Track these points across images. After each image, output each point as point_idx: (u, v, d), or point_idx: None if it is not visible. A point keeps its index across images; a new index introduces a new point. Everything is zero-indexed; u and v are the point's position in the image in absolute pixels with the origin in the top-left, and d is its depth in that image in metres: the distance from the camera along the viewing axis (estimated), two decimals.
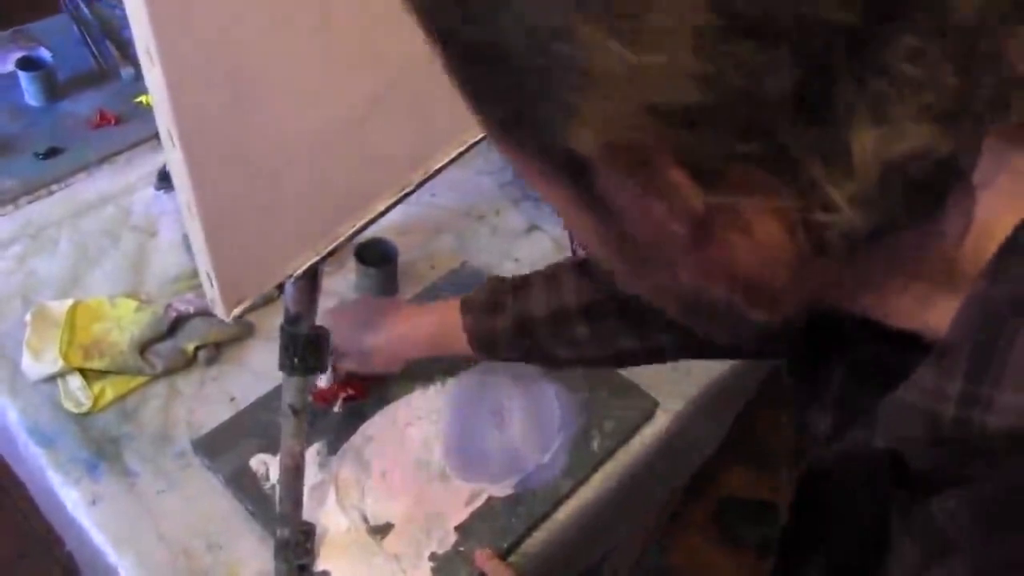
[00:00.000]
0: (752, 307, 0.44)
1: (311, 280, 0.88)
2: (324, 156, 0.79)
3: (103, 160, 1.53)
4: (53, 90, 1.63)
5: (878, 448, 0.47)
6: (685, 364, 1.28)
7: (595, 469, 1.16)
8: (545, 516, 1.11)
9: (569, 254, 1.38)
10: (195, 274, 1.25)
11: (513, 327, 1.00)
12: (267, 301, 1.29)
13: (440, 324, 1.06)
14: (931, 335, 0.44)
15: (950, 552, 0.44)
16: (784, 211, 0.37)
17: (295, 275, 0.84)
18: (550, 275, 1.02)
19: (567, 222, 0.47)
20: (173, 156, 0.66)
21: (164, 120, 0.63)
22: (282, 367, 0.92)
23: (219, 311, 0.78)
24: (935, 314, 0.44)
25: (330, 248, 0.86)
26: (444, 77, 0.41)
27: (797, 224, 0.38)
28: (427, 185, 1.52)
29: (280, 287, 0.86)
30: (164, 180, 1.46)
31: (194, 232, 0.72)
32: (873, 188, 0.36)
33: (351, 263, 1.35)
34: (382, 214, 0.92)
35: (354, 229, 0.89)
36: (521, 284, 1.02)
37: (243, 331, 1.28)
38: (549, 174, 0.42)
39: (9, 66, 1.64)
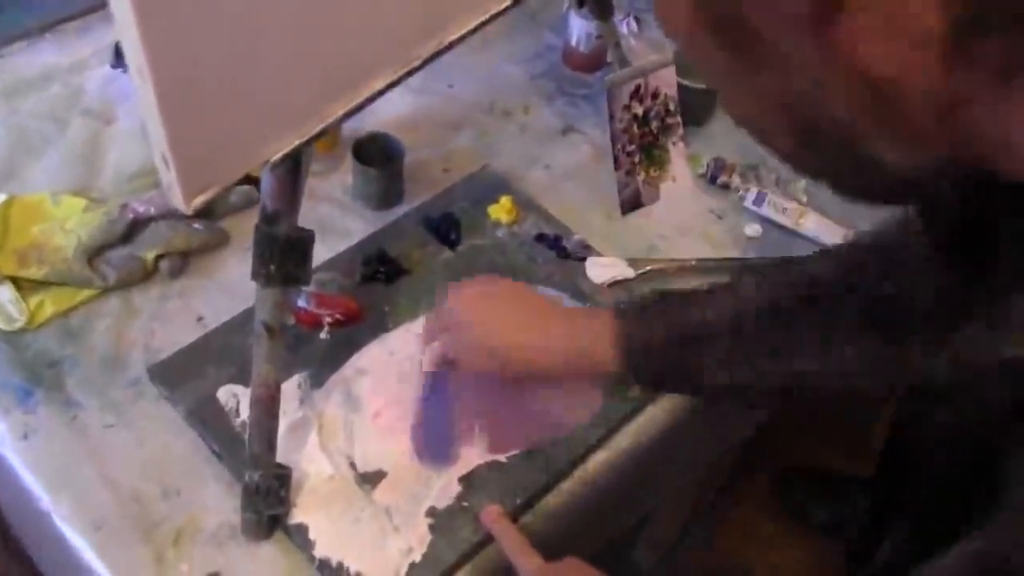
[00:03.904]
0: (879, 132, 0.41)
1: (293, 170, 0.86)
2: (312, 15, 0.77)
3: (47, 28, 1.49)
4: None
5: (1010, 360, 0.45)
6: None
7: (631, 416, 1.15)
8: (568, 469, 1.10)
9: (611, 162, 1.35)
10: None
11: (676, 334, 0.94)
12: (247, 204, 1.27)
13: (589, 328, 1.00)
14: None
15: None
16: None
17: (273, 161, 0.82)
18: (730, 283, 0.98)
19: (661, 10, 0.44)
20: (119, 3, 0.63)
21: None
22: (255, 276, 0.90)
23: (176, 200, 0.76)
24: None
25: (317, 130, 0.84)
26: None
27: None
28: (443, 73, 1.53)
29: (253, 181, 0.85)
30: (124, 56, 1.43)
31: (146, 102, 0.70)
32: None
33: (347, 163, 1.33)
34: (381, 93, 0.90)
35: (347, 109, 0.87)
36: (694, 291, 0.98)
37: (215, 239, 1.26)
38: None
39: None
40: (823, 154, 0.47)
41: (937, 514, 0.58)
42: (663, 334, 0.95)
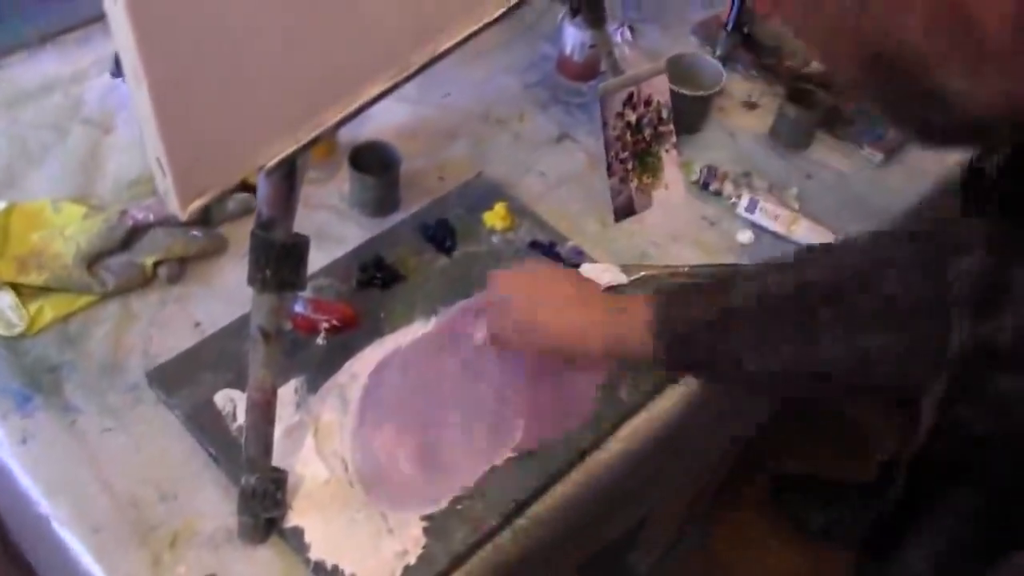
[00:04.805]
0: (950, 56, 0.41)
1: (289, 176, 0.86)
2: (305, 20, 0.77)
3: (47, 38, 1.49)
4: None
5: None
6: None
7: (623, 421, 1.15)
8: (562, 472, 1.09)
9: (605, 169, 1.35)
10: None
11: (706, 319, 0.95)
12: (244, 211, 1.27)
13: (626, 312, 1.00)
14: None
15: None
16: None
17: (268, 166, 0.82)
18: (759, 269, 0.98)
19: None
20: (114, 10, 0.63)
21: None
22: (251, 281, 0.90)
23: (172, 205, 0.76)
24: None
25: (312, 136, 0.84)
26: None
27: None
28: (439, 82, 1.53)
29: (251, 189, 0.84)
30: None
31: (142, 108, 0.70)
32: None
33: (344, 170, 1.34)
34: (376, 100, 0.90)
35: (342, 116, 0.86)
36: (730, 275, 0.98)
37: (213, 245, 1.26)
38: None
39: None
40: (887, 84, 0.47)
41: (981, 518, 0.56)
42: (695, 319, 0.95)
